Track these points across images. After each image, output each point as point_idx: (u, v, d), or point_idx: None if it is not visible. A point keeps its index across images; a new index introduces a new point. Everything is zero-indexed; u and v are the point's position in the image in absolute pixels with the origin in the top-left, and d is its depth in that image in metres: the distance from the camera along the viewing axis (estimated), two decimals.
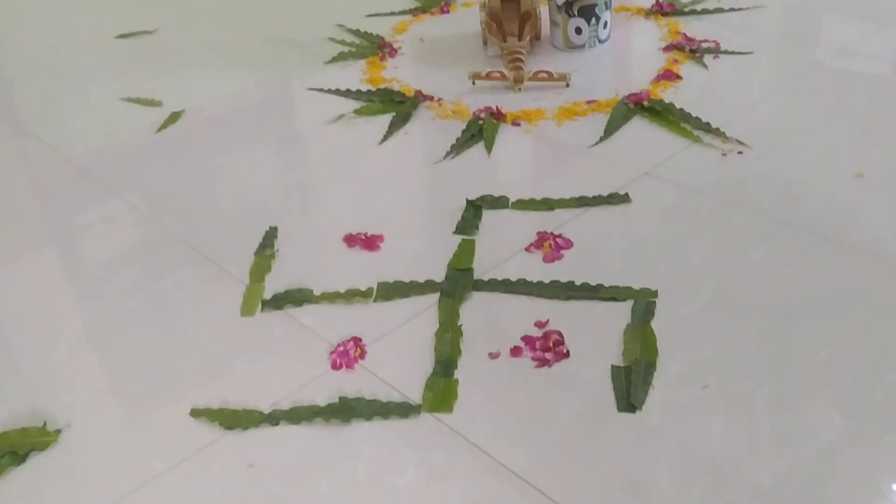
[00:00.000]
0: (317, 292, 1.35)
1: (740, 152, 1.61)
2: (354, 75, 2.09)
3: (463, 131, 1.78)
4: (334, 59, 2.16)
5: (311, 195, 1.67)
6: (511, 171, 1.65)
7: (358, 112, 1.89)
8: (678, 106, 1.76)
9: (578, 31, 2.05)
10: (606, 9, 2.04)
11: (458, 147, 1.73)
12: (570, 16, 2.03)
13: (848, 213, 1.41)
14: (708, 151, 1.62)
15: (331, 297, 1.33)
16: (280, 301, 1.34)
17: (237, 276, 1.41)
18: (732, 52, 1.99)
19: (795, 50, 2.03)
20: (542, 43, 2.14)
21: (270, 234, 1.50)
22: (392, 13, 2.42)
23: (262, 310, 1.33)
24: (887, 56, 1.97)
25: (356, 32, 2.31)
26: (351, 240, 1.46)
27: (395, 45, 2.22)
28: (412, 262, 1.40)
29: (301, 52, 2.26)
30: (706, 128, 1.68)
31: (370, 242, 1.45)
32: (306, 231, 1.53)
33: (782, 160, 1.57)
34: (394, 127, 1.82)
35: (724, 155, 1.60)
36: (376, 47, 2.21)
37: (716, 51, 2.00)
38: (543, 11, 2.12)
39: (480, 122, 1.79)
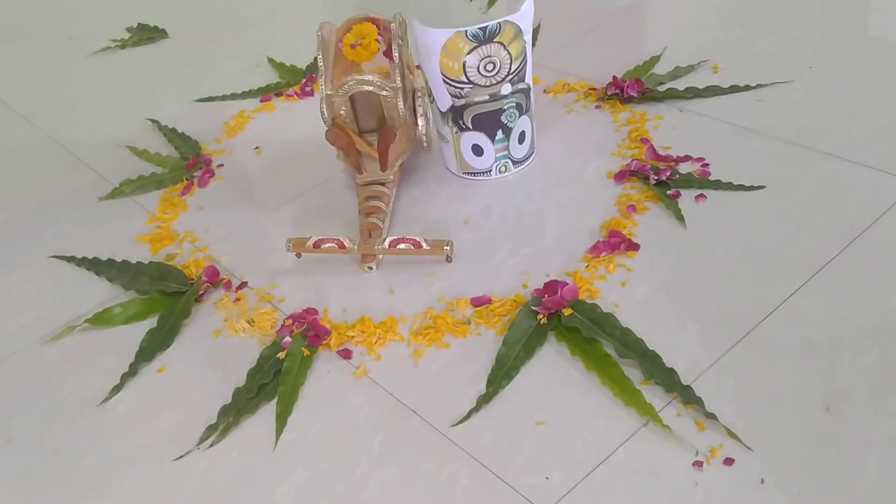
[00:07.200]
0: None
1: (730, 461, 0.83)
2: (135, 224, 1.33)
3: (249, 374, 1.02)
4: (112, 194, 1.41)
5: None
6: (307, 495, 0.89)
7: (95, 320, 1.14)
8: (623, 321, 0.98)
9: (478, 150, 1.26)
10: (521, 114, 1.24)
11: (231, 415, 0.97)
12: (461, 129, 1.25)
13: None
14: (674, 449, 0.85)
15: None
16: None
17: None
18: (728, 187, 1.18)
19: (841, 178, 1.16)
20: (431, 160, 1.35)
21: None
22: (234, 95, 1.65)
23: None
24: None
25: (171, 133, 1.55)
26: None
27: (215, 162, 1.45)
28: None
29: (79, 175, 1.50)
30: (668, 384, 0.91)
31: None
32: None
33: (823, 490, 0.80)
34: (141, 359, 1.07)
35: (700, 466, 0.83)
36: (184, 168, 1.44)
37: (701, 183, 1.19)
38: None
39: (281, 353, 1.03)
